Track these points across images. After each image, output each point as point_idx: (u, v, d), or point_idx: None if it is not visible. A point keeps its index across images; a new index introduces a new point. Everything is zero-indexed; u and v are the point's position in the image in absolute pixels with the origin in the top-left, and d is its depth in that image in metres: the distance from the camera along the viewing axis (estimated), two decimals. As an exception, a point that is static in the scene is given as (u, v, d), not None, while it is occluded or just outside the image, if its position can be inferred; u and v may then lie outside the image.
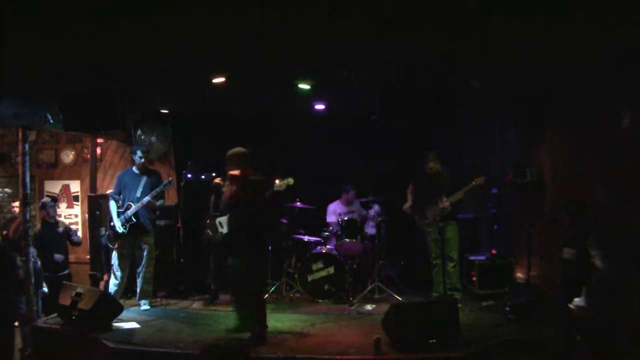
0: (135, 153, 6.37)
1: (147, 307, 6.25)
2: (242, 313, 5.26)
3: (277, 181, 6.32)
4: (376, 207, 7.15)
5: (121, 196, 6.30)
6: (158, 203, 6.33)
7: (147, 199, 6.14)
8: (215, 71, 5.43)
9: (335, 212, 7.34)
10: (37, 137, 7.87)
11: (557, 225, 5.24)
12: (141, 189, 6.24)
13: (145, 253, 6.32)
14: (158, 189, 6.26)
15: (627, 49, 4.16)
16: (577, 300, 4.03)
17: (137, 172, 6.37)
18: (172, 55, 4.87)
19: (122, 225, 6.18)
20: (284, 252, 6.94)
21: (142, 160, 6.32)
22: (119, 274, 6.23)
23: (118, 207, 6.28)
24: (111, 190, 6.55)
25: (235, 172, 5.21)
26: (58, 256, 6.56)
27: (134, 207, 6.15)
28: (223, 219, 6.41)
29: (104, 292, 5.70)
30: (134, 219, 6.17)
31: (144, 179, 6.31)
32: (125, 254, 6.27)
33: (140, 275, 6.33)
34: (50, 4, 3.85)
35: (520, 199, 6.51)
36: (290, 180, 6.31)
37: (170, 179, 6.53)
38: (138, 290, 6.34)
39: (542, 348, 4.60)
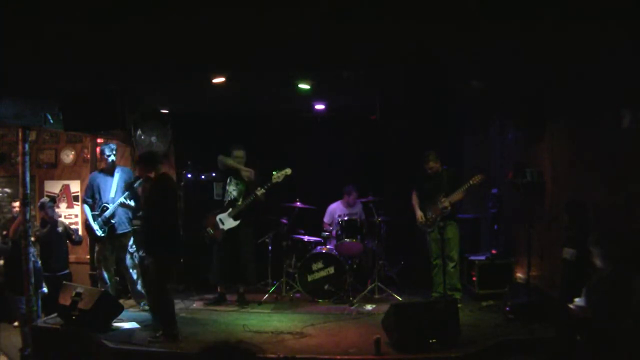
0: (103, 152, 6.29)
1: (147, 306, 6.20)
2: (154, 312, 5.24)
3: (274, 173, 6.33)
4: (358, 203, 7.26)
5: (95, 199, 6.20)
6: (132, 203, 6.19)
7: (121, 200, 6.06)
8: (215, 71, 5.43)
9: (334, 213, 7.33)
10: (37, 137, 7.85)
11: (557, 225, 5.25)
12: (115, 188, 6.17)
13: (127, 254, 6.24)
14: (133, 188, 6.17)
15: (627, 49, 4.16)
16: (577, 300, 4.03)
17: (106, 172, 6.28)
18: (172, 55, 4.87)
19: (101, 228, 6.11)
20: (284, 252, 6.94)
21: (112, 158, 6.24)
22: (106, 276, 6.18)
23: (93, 211, 6.19)
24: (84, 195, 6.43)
25: (150, 174, 5.28)
26: (60, 228, 6.59)
27: (111, 208, 6.08)
28: (223, 216, 6.45)
29: (104, 292, 5.68)
30: (112, 220, 6.11)
31: (115, 177, 6.23)
32: (108, 256, 6.20)
33: (128, 278, 6.25)
34: (50, 4, 3.84)
35: (520, 199, 6.50)
36: (288, 171, 6.32)
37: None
38: (132, 294, 6.30)
39: (542, 348, 4.60)
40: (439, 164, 6.29)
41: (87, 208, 6.25)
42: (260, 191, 6.33)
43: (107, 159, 6.26)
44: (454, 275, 6.19)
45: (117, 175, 6.25)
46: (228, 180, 6.60)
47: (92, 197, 6.24)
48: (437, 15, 4.03)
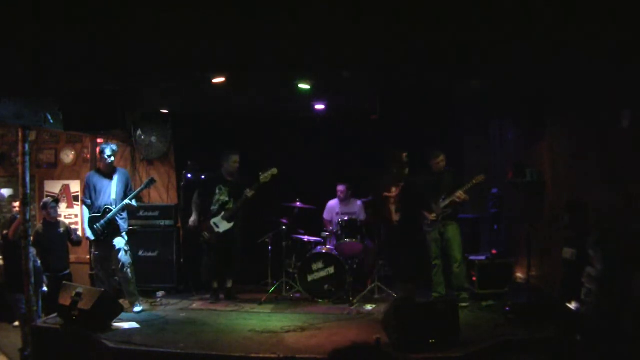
0: (103, 152, 6.03)
1: (139, 308, 6.02)
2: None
3: (260, 175, 6.37)
4: (359, 203, 7.25)
5: (92, 200, 6.01)
6: (135, 204, 6.11)
7: (127, 202, 5.93)
8: (215, 71, 5.43)
9: (333, 210, 7.34)
10: (37, 137, 7.87)
11: (557, 225, 5.25)
12: (115, 190, 5.98)
13: (122, 253, 6.00)
14: (140, 189, 6.14)
15: (627, 49, 4.16)
16: (577, 300, 4.03)
17: (105, 172, 6.06)
18: (172, 56, 4.87)
19: (102, 229, 5.91)
20: (284, 252, 6.93)
21: (112, 159, 6.04)
22: (104, 276, 6.11)
23: (94, 212, 5.97)
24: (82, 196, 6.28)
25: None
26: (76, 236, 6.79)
27: (114, 210, 5.91)
28: (217, 220, 6.53)
29: (104, 292, 5.67)
30: (116, 222, 5.97)
31: (115, 178, 6.03)
32: (105, 257, 6.06)
33: (122, 277, 6.04)
34: (50, 4, 3.84)
35: (520, 199, 6.50)
36: (274, 171, 6.42)
37: (152, 177, 6.29)
38: (126, 294, 6.06)
39: (542, 348, 4.60)
40: (445, 162, 6.28)
41: (85, 210, 6.07)
42: (250, 192, 6.43)
43: (106, 160, 6.02)
44: (460, 275, 6.16)
45: (115, 177, 6.05)
46: (217, 191, 6.66)
47: (90, 197, 6.02)
48: (437, 15, 4.02)
